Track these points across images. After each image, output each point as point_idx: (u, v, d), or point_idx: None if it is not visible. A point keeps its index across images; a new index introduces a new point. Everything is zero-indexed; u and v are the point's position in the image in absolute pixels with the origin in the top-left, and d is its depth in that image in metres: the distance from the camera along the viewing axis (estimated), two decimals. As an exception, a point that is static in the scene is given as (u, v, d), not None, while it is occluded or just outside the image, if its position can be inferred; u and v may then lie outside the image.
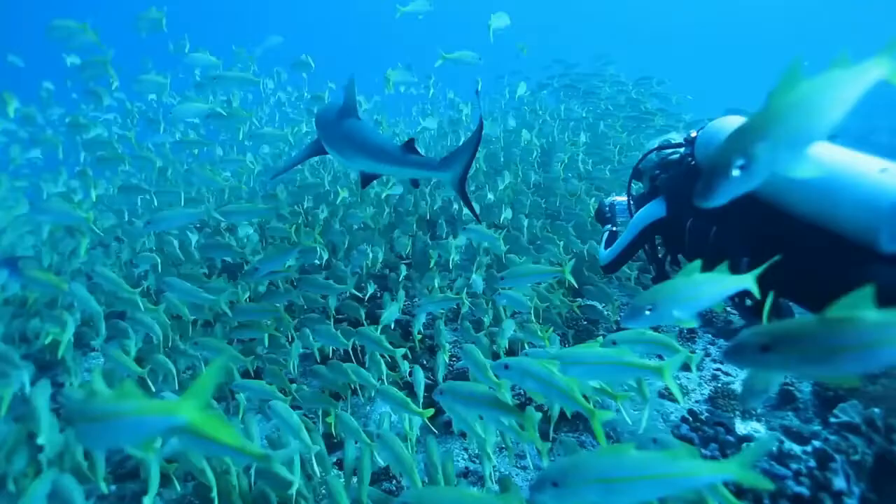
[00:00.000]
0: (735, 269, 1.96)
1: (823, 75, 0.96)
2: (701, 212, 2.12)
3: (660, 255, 2.69)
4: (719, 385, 3.32)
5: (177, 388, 2.78)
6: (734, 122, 2.08)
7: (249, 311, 3.01)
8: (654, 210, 2.44)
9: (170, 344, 3.02)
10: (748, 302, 2.13)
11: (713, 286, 1.50)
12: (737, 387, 3.27)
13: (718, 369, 3.49)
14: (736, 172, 0.91)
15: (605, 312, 3.67)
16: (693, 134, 2.32)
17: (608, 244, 2.83)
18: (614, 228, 2.97)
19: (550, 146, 6.27)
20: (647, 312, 1.45)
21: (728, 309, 4.00)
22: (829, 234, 1.75)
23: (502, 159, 5.89)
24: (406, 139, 2.59)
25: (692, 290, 1.47)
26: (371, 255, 3.82)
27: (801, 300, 2.00)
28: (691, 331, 3.99)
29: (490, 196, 4.80)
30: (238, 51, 6.37)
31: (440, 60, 4.04)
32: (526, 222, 4.40)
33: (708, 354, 3.70)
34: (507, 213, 4.54)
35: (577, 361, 1.66)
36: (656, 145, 2.69)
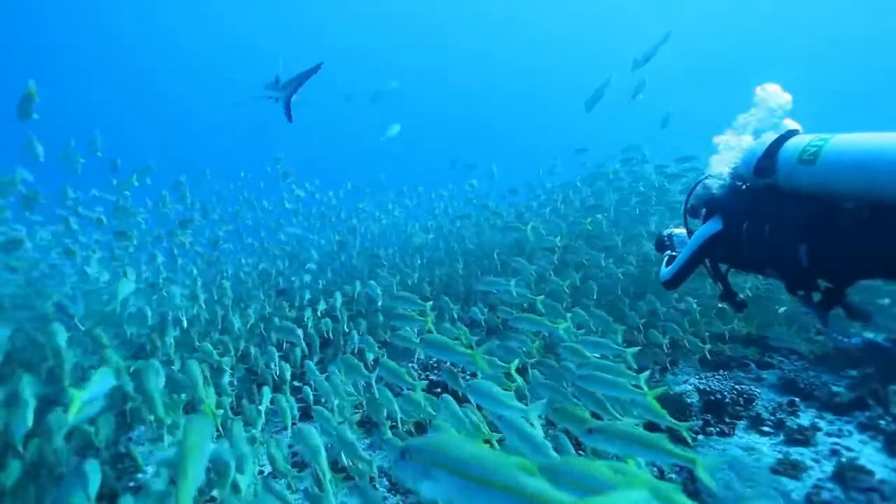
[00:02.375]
0: (794, 261, 2.08)
1: None
2: (754, 215, 2.32)
3: (722, 272, 2.79)
4: (843, 460, 3.16)
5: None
6: (768, 138, 2.28)
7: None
8: (711, 226, 2.61)
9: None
10: (816, 297, 2.19)
11: None
12: (864, 462, 3.11)
13: (837, 444, 3.33)
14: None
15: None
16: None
17: (668, 265, 2.94)
18: (673, 254, 3.09)
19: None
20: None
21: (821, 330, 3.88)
22: (880, 204, 1.86)
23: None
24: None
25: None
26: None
27: (870, 275, 2.08)
28: (792, 403, 3.86)
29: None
30: None
31: None
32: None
33: (818, 429, 3.55)
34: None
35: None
36: (703, 177, 2.87)
